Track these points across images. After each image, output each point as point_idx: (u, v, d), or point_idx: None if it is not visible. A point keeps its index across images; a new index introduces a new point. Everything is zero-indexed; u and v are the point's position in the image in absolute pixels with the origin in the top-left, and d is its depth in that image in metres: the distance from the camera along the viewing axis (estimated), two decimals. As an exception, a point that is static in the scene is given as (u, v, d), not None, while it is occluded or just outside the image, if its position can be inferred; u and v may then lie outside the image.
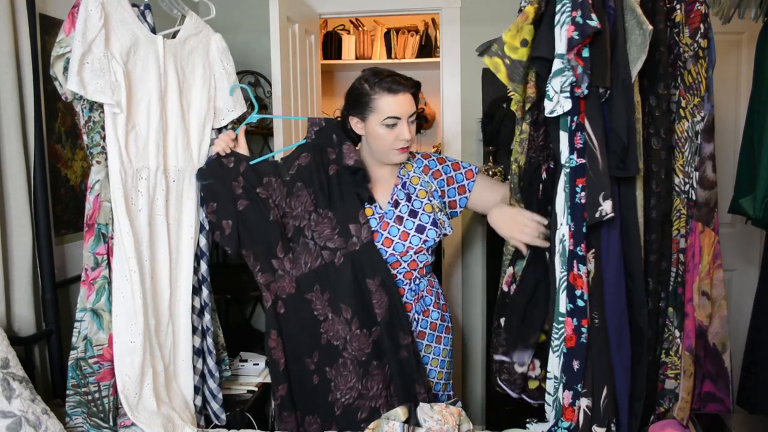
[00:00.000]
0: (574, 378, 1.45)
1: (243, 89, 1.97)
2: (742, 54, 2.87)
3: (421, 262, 1.85)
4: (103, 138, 1.60)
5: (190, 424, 1.72)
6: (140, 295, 1.63)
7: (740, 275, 2.88)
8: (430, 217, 1.82)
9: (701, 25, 1.50)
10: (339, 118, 1.89)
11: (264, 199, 1.78)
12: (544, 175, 1.56)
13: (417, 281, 1.86)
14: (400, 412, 1.62)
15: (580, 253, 1.43)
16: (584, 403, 1.45)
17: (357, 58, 4.24)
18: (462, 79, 3.04)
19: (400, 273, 1.83)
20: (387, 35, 4.23)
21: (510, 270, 1.66)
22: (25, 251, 1.85)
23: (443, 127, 3.11)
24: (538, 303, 1.58)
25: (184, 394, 1.78)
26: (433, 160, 1.91)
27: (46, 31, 2.03)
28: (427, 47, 4.16)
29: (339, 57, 4.27)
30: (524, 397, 1.64)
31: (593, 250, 1.45)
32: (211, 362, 1.86)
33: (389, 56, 4.23)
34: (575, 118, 1.41)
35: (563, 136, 1.43)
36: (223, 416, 1.87)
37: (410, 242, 1.81)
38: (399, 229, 1.81)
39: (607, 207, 1.38)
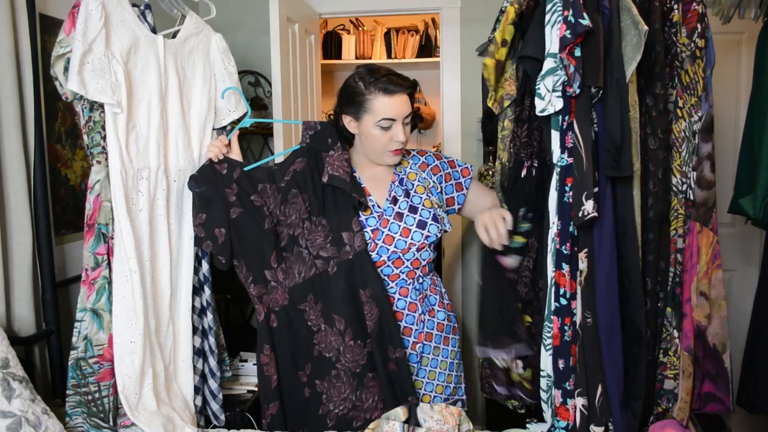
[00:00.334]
0: (561, 376, 1.46)
1: (236, 92, 1.96)
2: (742, 54, 2.87)
3: (423, 259, 1.82)
4: (104, 138, 1.61)
5: (190, 424, 1.72)
6: (140, 295, 1.63)
7: (740, 275, 2.88)
8: (430, 212, 1.80)
9: (698, 25, 1.50)
10: (331, 115, 1.87)
11: (258, 207, 1.73)
12: (524, 173, 1.57)
13: (420, 280, 1.83)
14: (400, 412, 1.62)
15: (565, 252, 1.43)
16: (580, 402, 1.45)
17: (357, 58, 4.24)
18: (462, 79, 3.04)
19: (403, 272, 1.80)
20: (387, 35, 4.24)
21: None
22: (25, 251, 1.85)
23: (443, 127, 3.11)
24: (496, 302, 1.66)
25: (184, 394, 1.78)
26: (431, 155, 1.90)
27: (46, 31, 2.03)
28: (427, 47, 4.16)
29: (339, 57, 4.27)
30: (511, 391, 1.67)
31: (586, 250, 1.45)
32: (212, 362, 1.86)
33: (389, 56, 4.23)
34: (566, 117, 1.40)
35: (555, 135, 1.43)
36: (222, 417, 1.87)
37: (412, 238, 1.77)
38: (400, 226, 1.78)
39: (589, 207, 1.37)
